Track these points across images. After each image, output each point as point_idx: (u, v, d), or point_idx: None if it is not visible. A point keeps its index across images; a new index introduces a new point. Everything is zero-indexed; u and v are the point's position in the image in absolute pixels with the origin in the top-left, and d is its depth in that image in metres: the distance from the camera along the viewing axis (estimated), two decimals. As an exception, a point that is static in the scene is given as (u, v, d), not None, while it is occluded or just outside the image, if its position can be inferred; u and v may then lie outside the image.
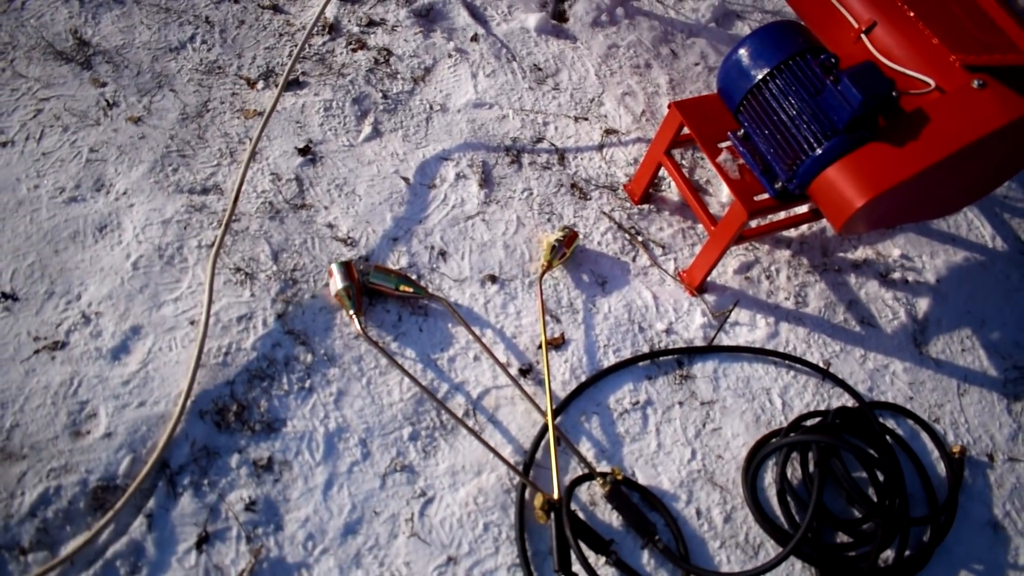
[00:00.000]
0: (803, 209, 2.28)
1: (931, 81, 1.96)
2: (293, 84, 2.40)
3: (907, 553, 1.99)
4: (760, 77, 1.99)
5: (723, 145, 2.14)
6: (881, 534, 1.94)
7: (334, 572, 1.73)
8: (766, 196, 2.07)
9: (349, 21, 2.60)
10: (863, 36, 2.06)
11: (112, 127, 2.19)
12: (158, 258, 2.00)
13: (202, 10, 2.49)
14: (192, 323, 1.92)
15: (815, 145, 1.93)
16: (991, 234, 2.69)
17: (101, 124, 2.18)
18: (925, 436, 2.20)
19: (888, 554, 1.99)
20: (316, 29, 2.53)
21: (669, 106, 2.17)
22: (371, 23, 2.61)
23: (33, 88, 2.19)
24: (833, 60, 1.92)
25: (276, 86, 2.35)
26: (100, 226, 2.01)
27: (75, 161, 2.10)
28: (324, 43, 2.52)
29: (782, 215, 2.41)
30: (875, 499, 1.99)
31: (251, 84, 2.37)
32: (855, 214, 1.88)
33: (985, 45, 1.96)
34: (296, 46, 2.32)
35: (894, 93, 1.91)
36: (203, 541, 1.70)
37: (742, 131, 2.10)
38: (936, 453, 2.17)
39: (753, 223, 2.14)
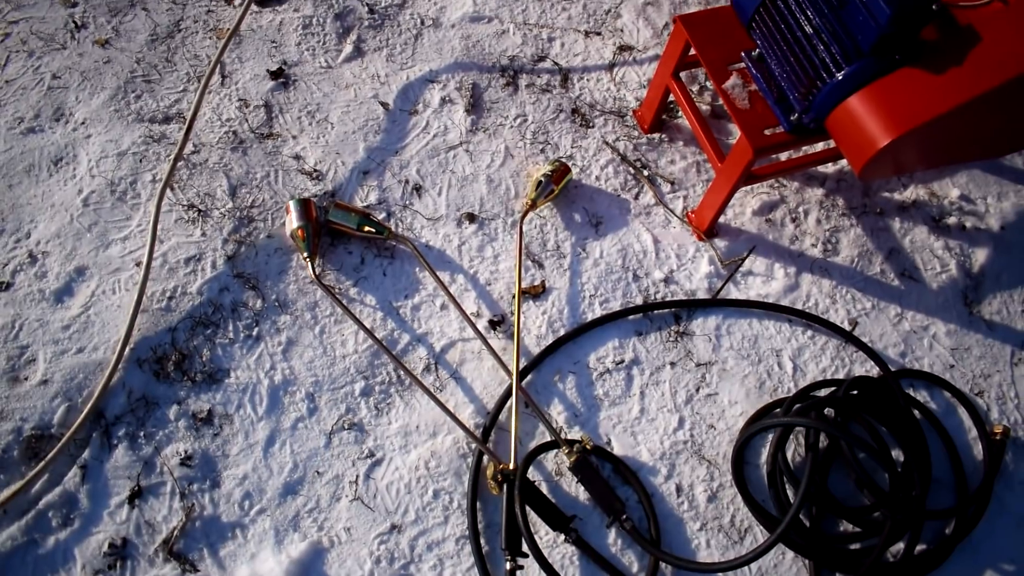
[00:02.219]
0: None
1: (990, -12, 1.57)
2: (271, -1, 2.21)
3: (920, 548, 1.73)
4: (774, -17, 1.65)
5: (733, 67, 1.81)
6: (888, 527, 1.68)
7: (269, 534, 1.64)
8: (779, 130, 1.75)
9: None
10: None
11: (78, 51, 2.07)
12: (110, 194, 1.89)
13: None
14: (138, 264, 1.83)
15: (834, 69, 1.60)
16: (1082, 170, 2.24)
17: (67, 48, 2.07)
18: (963, 412, 1.88)
19: (900, 547, 1.73)
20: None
21: (674, 20, 1.85)
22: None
23: (3, 10, 2.10)
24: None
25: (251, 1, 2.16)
26: (56, 159, 1.92)
27: (37, 88, 2.00)
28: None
29: (820, 147, 2.07)
30: (889, 483, 1.72)
31: (228, 0, 2.19)
32: (878, 154, 1.56)
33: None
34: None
35: (935, 5, 1.54)
36: (136, 495, 1.64)
37: (757, 51, 1.78)
38: (974, 432, 1.86)
39: (770, 159, 1.84)
